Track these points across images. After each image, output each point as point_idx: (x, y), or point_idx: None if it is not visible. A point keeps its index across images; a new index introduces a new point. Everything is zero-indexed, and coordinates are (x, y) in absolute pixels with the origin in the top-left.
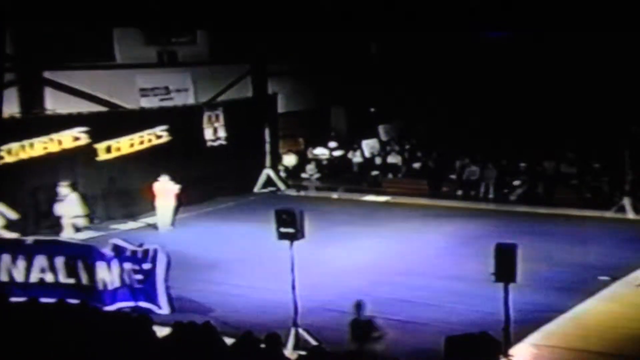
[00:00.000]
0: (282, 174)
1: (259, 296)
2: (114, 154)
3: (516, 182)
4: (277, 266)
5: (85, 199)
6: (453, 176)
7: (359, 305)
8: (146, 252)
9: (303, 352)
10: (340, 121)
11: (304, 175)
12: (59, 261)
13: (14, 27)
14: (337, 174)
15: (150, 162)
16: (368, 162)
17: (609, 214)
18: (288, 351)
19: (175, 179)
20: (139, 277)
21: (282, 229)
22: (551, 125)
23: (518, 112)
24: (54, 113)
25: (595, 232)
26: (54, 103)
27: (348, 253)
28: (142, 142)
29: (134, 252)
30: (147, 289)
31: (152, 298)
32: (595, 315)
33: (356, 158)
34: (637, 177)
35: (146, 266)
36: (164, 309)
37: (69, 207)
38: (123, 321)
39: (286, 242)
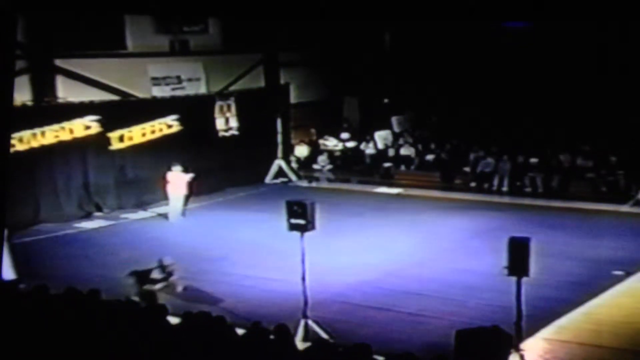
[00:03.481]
0: (294, 165)
1: (269, 287)
2: (126, 143)
3: (531, 174)
4: (288, 257)
5: (97, 188)
6: (466, 168)
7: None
8: None
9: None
10: (352, 112)
11: (315, 166)
12: None
13: (25, 15)
14: (349, 166)
15: (161, 152)
16: (381, 154)
17: (624, 208)
18: (297, 343)
19: (186, 169)
20: None
21: (293, 220)
22: (567, 118)
23: (534, 105)
24: (65, 101)
25: (611, 226)
26: (66, 91)
27: (359, 245)
28: (153, 132)
29: None
30: None
31: None
32: (608, 310)
33: (369, 149)
34: None
35: None
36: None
37: None
38: (135, 310)
39: (297, 234)
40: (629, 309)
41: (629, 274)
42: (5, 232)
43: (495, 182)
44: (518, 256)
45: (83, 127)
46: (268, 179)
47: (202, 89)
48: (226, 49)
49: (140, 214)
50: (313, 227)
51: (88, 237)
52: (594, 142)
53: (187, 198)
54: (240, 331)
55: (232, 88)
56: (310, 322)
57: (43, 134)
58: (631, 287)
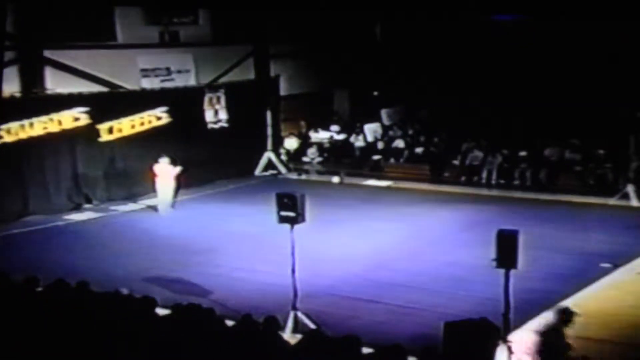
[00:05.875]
0: (284, 157)
1: (259, 279)
2: (115, 135)
3: (519, 167)
4: (278, 250)
5: (86, 180)
6: (456, 161)
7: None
8: None
9: (301, 336)
10: (343, 104)
11: (305, 158)
12: None
13: (15, 6)
14: (339, 158)
15: (150, 144)
16: (370, 147)
17: (612, 201)
18: (287, 334)
19: (175, 161)
20: None
21: (283, 213)
22: (556, 111)
23: (523, 98)
24: (54, 93)
25: (598, 219)
26: (55, 82)
27: (349, 238)
28: (142, 124)
29: None
30: None
31: None
32: (596, 302)
33: (358, 142)
34: None
35: None
36: None
37: None
38: (124, 302)
39: (287, 226)
40: (616, 301)
41: (616, 266)
42: None
43: (484, 175)
44: (506, 248)
45: (72, 118)
46: (257, 172)
47: (191, 80)
48: (216, 40)
49: (130, 206)
50: (303, 220)
51: (77, 229)
52: (583, 136)
53: (177, 190)
54: (229, 323)
55: (221, 80)
56: (299, 314)
57: (31, 125)
58: (618, 280)
